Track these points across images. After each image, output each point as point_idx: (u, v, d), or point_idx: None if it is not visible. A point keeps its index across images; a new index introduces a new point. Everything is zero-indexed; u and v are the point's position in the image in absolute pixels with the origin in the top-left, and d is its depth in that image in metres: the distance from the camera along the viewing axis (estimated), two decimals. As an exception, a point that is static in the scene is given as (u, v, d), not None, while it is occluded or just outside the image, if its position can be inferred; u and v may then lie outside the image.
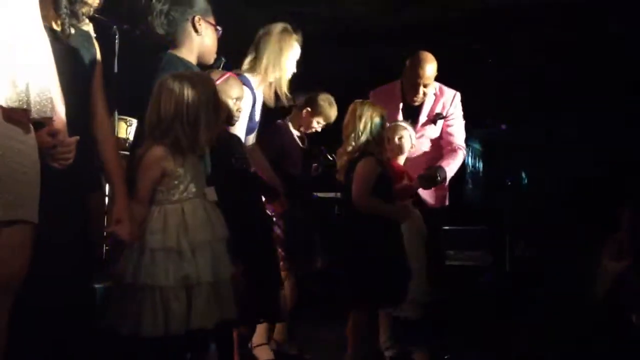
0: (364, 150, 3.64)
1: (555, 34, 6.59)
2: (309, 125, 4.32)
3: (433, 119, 4.28)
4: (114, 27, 3.69)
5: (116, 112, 3.92)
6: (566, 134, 6.30)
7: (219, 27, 3.14)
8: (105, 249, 3.71)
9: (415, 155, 4.23)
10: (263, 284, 3.20)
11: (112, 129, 2.68)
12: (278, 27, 3.64)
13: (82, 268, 2.45)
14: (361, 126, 3.64)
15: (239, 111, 3.23)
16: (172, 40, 3.04)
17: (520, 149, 4.37)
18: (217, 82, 3.19)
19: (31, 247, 2.04)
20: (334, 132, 4.24)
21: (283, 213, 3.95)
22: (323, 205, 5.45)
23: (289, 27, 3.67)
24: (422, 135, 4.28)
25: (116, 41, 3.70)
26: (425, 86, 4.18)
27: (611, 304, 4.76)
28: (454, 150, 4.23)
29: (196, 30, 3.04)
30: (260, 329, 3.82)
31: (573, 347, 3.61)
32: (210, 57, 3.17)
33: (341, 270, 3.69)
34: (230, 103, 3.17)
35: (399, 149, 4.04)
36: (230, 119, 3.23)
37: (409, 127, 4.10)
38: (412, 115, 4.28)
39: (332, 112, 4.31)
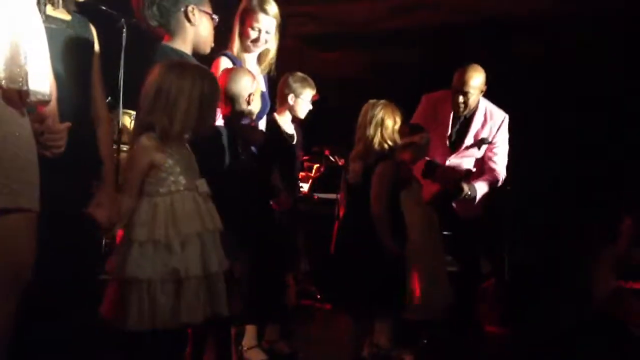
0: (379, 153, 3.64)
1: (552, 40, 6.65)
2: (301, 109, 4.19)
3: (478, 143, 4.32)
4: (122, 20, 3.66)
5: (120, 105, 3.90)
6: (566, 138, 6.32)
7: (215, 16, 3.04)
8: (105, 241, 3.71)
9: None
10: (268, 284, 3.17)
11: (107, 114, 2.61)
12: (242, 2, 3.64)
13: (87, 258, 2.43)
14: (373, 129, 3.63)
15: (250, 103, 3.25)
16: (166, 31, 2.95)
17: (518, 153, 4.39)
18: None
19: (35, 235, 2.01)
20: (338, 133, 4.23)
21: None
22: (324, 206, 5.44)
23: None
24: (464, 155, 4.35)
25: (123, 34, 3.67)
26: (464, 94, 4.19)
27: (609, 313, 4.77)
28: (491, 175, 4.31)
29: (189, 21, 2.94)
30: (251, 331, 3.78)
31: (571, 355, 3.59)
32: (207, 47, 3.07)
33: (343, 274, 3.68)
34: (244, 95, 3.19)
35: (420, 153, 3.95)
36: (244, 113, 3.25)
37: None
38: (460, 132, 4.33)
39: (309, 81, 4.20)
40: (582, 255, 5.48)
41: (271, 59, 3.73)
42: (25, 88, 1.94)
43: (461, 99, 4.21)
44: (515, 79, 6.19)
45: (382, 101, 3.72)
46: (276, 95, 4.01)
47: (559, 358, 3.60)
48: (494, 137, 4.32)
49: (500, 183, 4.35)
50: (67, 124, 2.10)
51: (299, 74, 4.10)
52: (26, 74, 1.94)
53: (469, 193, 4.18)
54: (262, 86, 3.62)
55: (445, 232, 4.42)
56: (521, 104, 4.38)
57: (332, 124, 4.85)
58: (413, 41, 6.96)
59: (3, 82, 1.89)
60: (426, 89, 4.69)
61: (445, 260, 4.06)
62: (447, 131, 4.36)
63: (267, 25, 3.61)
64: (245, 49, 3.65)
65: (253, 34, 3.61)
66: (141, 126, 2.55)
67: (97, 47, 2.55)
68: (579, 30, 6.41)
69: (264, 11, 3.60)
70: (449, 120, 4.35)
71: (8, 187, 1.89)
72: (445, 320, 4.26)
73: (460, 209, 4.31)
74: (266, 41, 3.64)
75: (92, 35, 2.54)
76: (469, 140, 4.33)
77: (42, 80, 2.00)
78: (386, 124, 3.63)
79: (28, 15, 2.01)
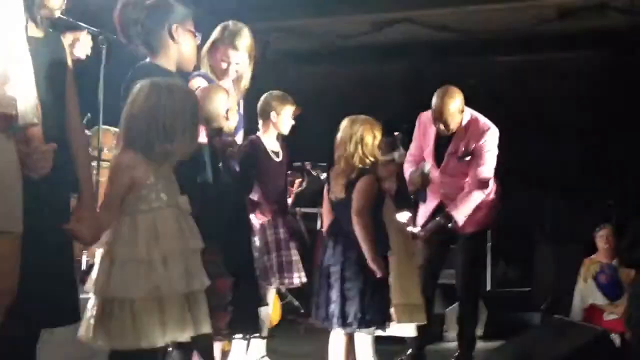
0: (361, 168, 3.64)
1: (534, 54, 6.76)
2: (284, 125, 4.16)
3: (458, 157, 4.30)
4: (101, 36, 3.66)
5: (100, 122, 3.89)
6: (548, 154, 6.40)
7: (198, 34, 3.05)
8: (87, 261, 3.70)
9: (445, 185, 4.32)
10: (241, 298, 3.18)
11: (82, 129, 2.60)
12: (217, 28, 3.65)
13: (68, 275, 2.40)
14: (353, 146, 3.63)
15: (228, 119, 3.26)
16: (149, 49, 2.94)
17: (503, 168, 4.40)
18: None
19: (19, 257, 2.00)
20: (318, 148, 4.26)
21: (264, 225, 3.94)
22: (306, 220, 5.46)
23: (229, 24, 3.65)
24: (452, 173, 4.33)
25: (103, 51, 3.67)
26: (444, 122, 4.20)
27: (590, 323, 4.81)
28: (472, 187, 4.25)
29: (173, 39, 2.94)
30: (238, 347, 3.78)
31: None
32: (190, 65, 3.09)
33: (327, 289, 3.69)
34: (222, 112, 3.19)
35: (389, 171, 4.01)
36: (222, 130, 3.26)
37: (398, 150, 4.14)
38: (444, 145, 4.33)
39: (288, 98, 4.19)
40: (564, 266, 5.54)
41: (244, 86, 3.73)
42: (14, 112, 1.94)
43: (442, 127, 4.23)
44: (499, 91, 6.28)
45: (361, 117, 3.72)
46: (250, 113, 4.01)
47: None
48: (475, 147, 4.27)
49: (487, 188, 4.28)
50: (53, 145, 2.10)
51: (277, 91, 4.13)
52: (14, 98, 1.94)
53: (449, 224, 4.22)
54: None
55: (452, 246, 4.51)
56: (505, 115, 4.40)
57: (312, 138, 4.87)
58: (395, 55, 7.02)
59: None
60: (408, 103, 4.73)
61: (417, 276, 4.10)
62: (433, 149, 4.39)
63: (237, 59, 3.61)
64: (215, 76, 3.64)
65: (223, 65, 3.59)
66: (129, 144, 2.50)
67: (69, 61, 2.53)
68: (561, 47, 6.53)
69: (234, 47, 3.59)
70: (432, 138, 4.38)
71: None
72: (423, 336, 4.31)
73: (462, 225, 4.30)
74: (237, 71, 3.64)
75: (64, 50, 2.52)
76: (447, 156, 4.32)
77: (30, 103, 2.00)
78: (366, 140, 3.64)
79: (14, 39, 2.01)
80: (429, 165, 4.30)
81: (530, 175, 6.13)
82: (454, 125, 4.23)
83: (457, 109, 4.21)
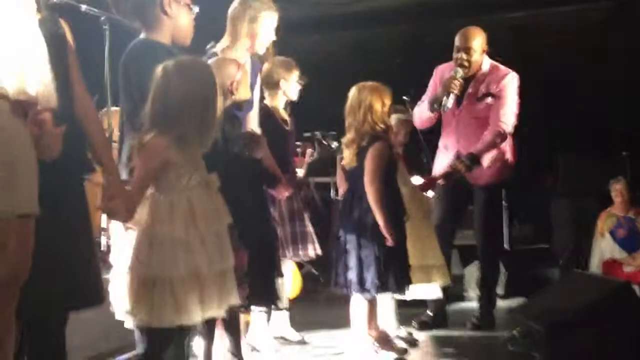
0: (372, 135, 3.64)
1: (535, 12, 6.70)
2: (293, 90, 4.08)
3: (477, 98, 4.31)
4: (102, 17, 3.61)
5: (109, 104, 3.85)
6: (558, 108, 6.37)
7: (194, 7, 2.99)
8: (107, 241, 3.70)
9: (463, 132, 4.33)
10: (259, 271, 3.18)
11: (94, 109, 2.54)
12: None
13: (90, 256, 2.39)
14: (362, 113, 3.63)
15: (233, 92, 3.21)
16: (143, 24, 2.90)
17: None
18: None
19: (33, 237, 2.01)
20: (322, 117, 4.23)
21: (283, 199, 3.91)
22: (320, 190, 5.46)
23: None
24: (465, 113, 4.33)
25: (106, 32, 3.62)
26: (466, 51, 4.22)
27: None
28: (491, 130, 4.25)
29: (165, 13, 2.90)
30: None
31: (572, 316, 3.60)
32: (187, 39, 3.02)
33: (344, 256, 3.70)
34: (227, 84, 3.13)
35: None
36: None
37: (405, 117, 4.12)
38: (462, 90, 4.30)
39: (292, 62, 4.09)
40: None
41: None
42: (33, 98, 1.95)
43: (464, 56, 4.24)
44: (501, 48, 6.21)
45: (369, 84, 3.72)
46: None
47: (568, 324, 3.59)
48: (495, 89, 4.28)
49: (505, 134, 4.27)
50: (62, 128, 2.08)
51: (281, 58, 4.07)
52: (33, 84, 1.94)
53: (469, 164, 4.20)
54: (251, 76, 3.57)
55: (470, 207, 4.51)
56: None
57: (321, 107, 4.84)
58: (395, 19, 6.94)
59: (12, 94, 1.90)
60: (411, 67, 4.68)
61: (434, 238, 4.11)
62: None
63: (274, 23, 3.60)
64: (251, 49, 3.59)
65: (266, 36, 3.58)
66: (162, 130, 2.49)
67: (70, 42, 2.49)
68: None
69: (272, 9, 3.57)
70: None
71: (10, 193, 1.90)
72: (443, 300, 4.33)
73: (477, 176, 4.32)
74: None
75: (64, 31, 2.48)
76: (467, 97, 4.31)
77: (47, 87, 2.00)
78: (375, 107, 3.64)
79: (29, 25, 2.01)
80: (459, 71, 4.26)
81: (542, 130, 6.09)
82: (475, 58, 4.25)
83: (480, 43, 4.27)
